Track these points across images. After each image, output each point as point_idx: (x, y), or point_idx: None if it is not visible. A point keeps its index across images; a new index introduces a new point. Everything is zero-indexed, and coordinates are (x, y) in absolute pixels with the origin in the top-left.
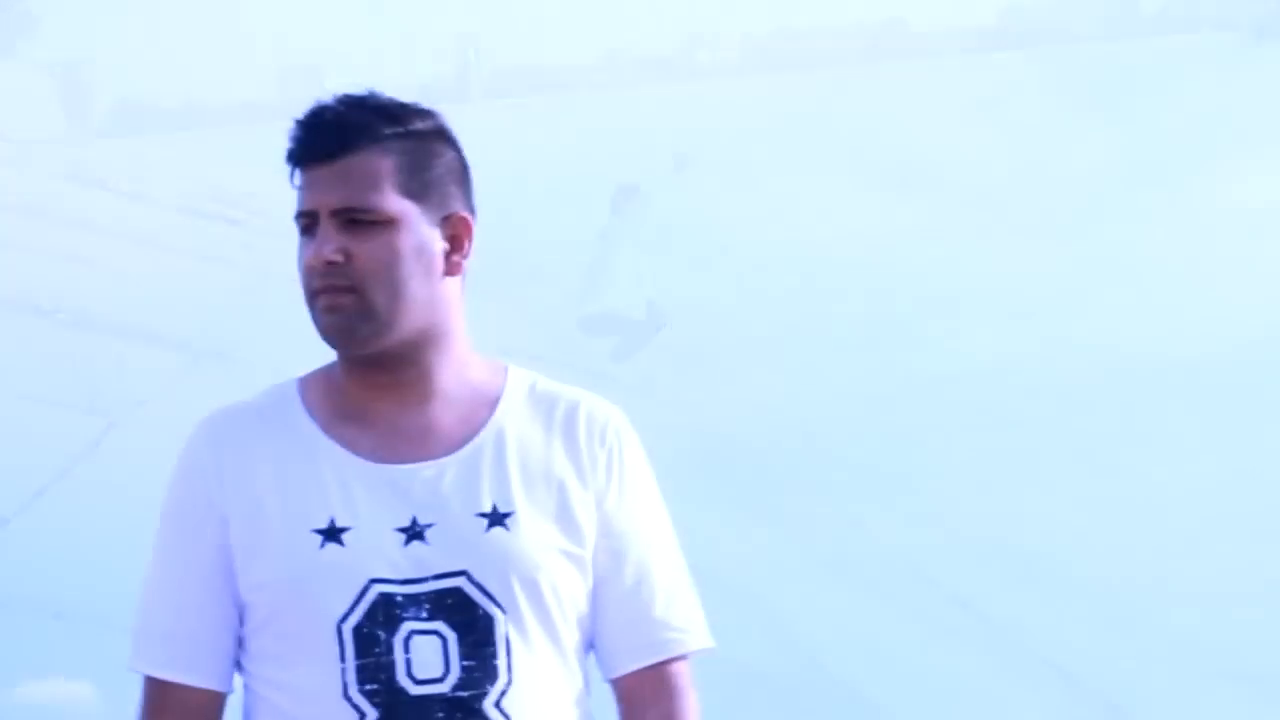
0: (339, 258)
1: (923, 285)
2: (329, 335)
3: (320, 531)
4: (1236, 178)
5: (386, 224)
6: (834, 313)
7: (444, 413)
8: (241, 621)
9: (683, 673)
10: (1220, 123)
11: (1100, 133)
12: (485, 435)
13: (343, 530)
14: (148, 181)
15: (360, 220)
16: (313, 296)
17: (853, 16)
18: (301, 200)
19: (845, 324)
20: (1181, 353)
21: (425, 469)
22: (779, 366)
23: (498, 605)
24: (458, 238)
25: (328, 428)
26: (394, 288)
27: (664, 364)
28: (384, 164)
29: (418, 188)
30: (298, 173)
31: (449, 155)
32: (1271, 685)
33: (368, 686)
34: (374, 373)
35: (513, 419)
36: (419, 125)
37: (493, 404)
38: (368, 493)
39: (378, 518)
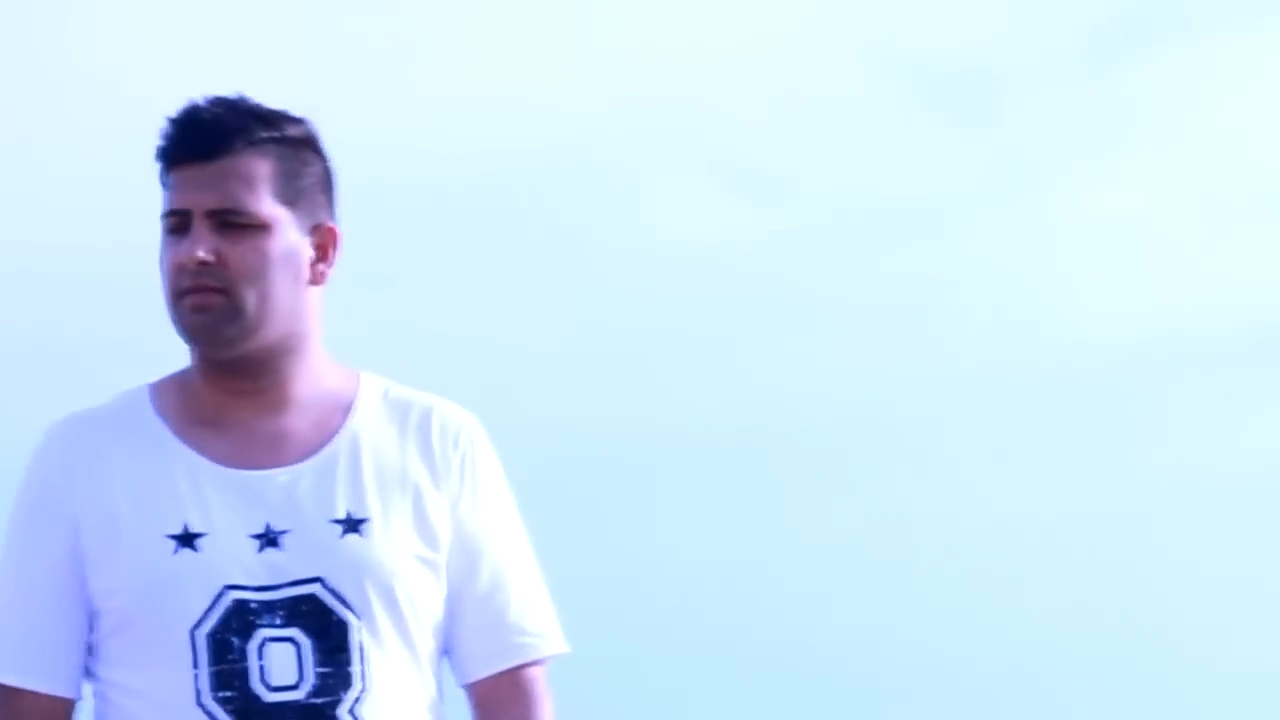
0: (212, 258)
1: (782, 291)
2: (193, 334)
3: (174, 537)
4: (1089, 187)
5: (259, 228)
6: (692, 319)
7: (299, 419)
8: (92, 627)
9: (538, 678)
10: (1073, 134)
11: (956, 143)
12: (340, 441)
13: (197, 536)
14: None
15: (233, 223)
16: (179, 295)
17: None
18: (172, 199)
19: (705, 329)
20: (1039, 360)
21: (280, 475)
22: (635, 371)
23: (353, 612)
24: (324, 247)
25: (181, 432)
26: (263, 292)
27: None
28: (260, 168)
29: (291, 194)
30: (168, 171)
31: (319, 164)
32: None
33: (222, 693)
34: (231, 377)
35: (367, 425)
36: (292, 132)
37: (347, 410)
38: (222, 498)
39: (232, 524)
